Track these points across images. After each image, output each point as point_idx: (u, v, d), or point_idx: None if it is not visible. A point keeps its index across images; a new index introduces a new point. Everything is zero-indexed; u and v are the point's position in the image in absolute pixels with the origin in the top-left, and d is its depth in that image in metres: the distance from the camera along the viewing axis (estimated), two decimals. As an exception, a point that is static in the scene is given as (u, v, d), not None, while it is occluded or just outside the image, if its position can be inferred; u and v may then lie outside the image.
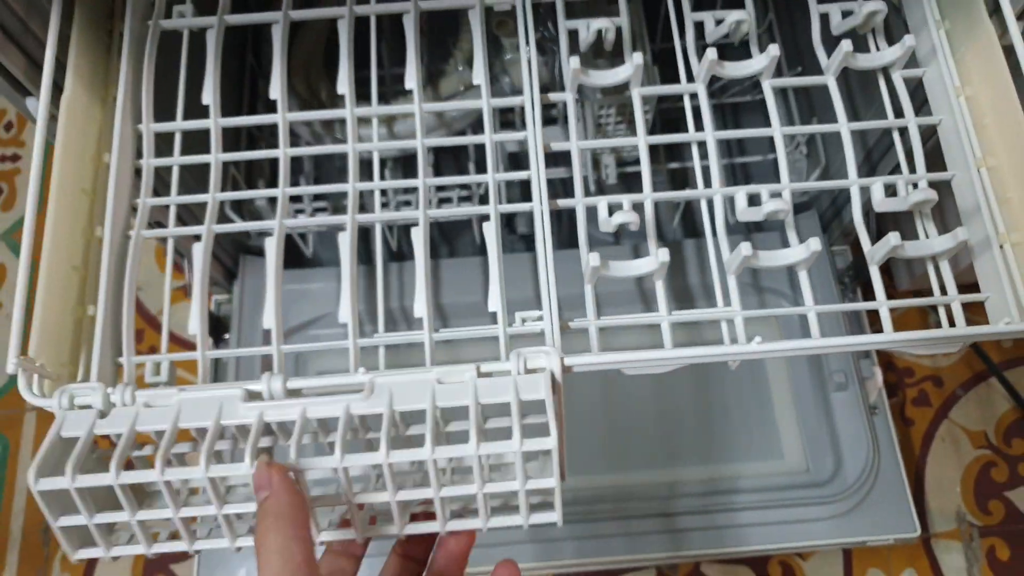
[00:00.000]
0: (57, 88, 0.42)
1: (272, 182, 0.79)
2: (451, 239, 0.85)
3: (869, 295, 0.87)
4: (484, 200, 0.79)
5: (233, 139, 0.76)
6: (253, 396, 0.34)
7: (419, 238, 0.41)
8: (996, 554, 0.87)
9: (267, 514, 0.30)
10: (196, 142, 0.46)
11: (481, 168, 0.79)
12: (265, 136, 0.78)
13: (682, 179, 0.85)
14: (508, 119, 0.81)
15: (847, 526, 0.67)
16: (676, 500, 0.70)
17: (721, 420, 0.75)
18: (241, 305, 0.74)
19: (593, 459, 0.73)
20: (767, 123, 0.87)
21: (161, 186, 0.47)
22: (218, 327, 0.76)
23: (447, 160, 0.85)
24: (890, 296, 0.41)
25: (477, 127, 0.75)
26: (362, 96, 0.49)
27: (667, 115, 0.82)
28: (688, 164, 0.84)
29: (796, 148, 0.81)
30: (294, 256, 0.81)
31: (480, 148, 0.81)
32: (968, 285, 0.44)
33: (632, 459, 0.73)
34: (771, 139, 0.84)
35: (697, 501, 0.70)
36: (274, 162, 0.80)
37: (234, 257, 0.76)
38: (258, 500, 0.31)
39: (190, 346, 0.98)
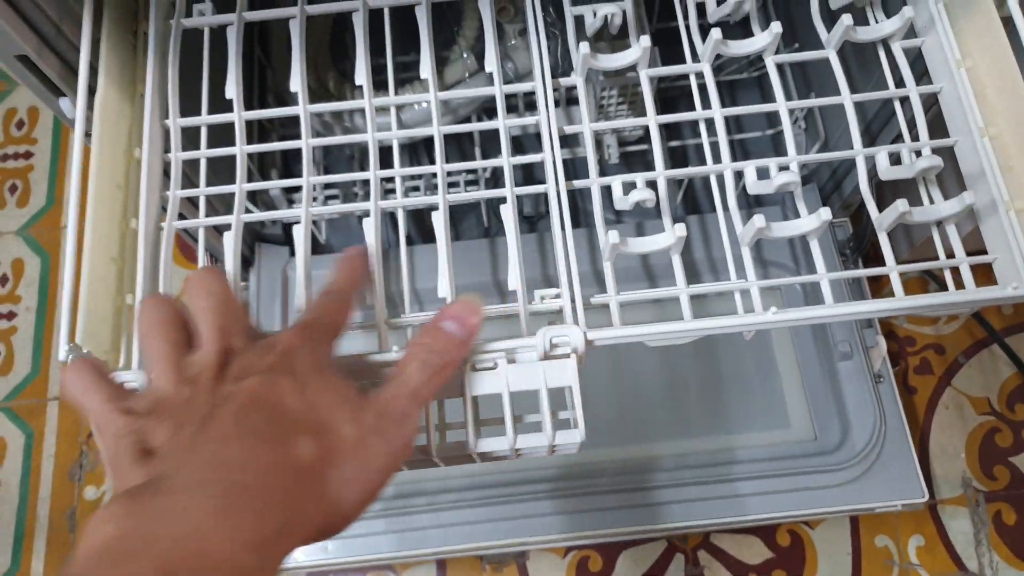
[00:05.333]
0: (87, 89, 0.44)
1: (285, 172, 0.80)
2: (455, 222, 0.86)
3: (870, 266, 0.88)
4: (490, 184, 0.80)
5: (247, 131, 0.77)
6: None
7: (440, 221, 0.43)
8: (1003, 518, 0.89)
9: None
10: (215, 135, 0.47)
11: (486, 152, 0.81)
12: (276, 127, 0.80)
13: (681, 158, 0.87)
14: (511, 103, 0.83)
15: (855, 493, 0.69)
16: (684, 471, 0.72)
17: (727, 391, 0.77)
18: (259, 291, 0.76)
19: (600, 432, 0.74)
20: (763, 99, 0.89)
21: (185, 180, 0.48)
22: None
23: (450, 145, 0.86)
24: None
25: (481, 113, 0.76)
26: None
27: (663, 94, 0.84)
28: (688, 142, 0.85)
29: (795, 123, 0.82)
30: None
31: (483, 133, 0.83)
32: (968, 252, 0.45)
33: (639, 431, 0.74)
34: (768, 115, 0.86)
35: (705, 472, 0.71)
36: (285, 153, 0.83)
37: (250, 245, 0.78)
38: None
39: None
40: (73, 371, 0.33)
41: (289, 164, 0.83)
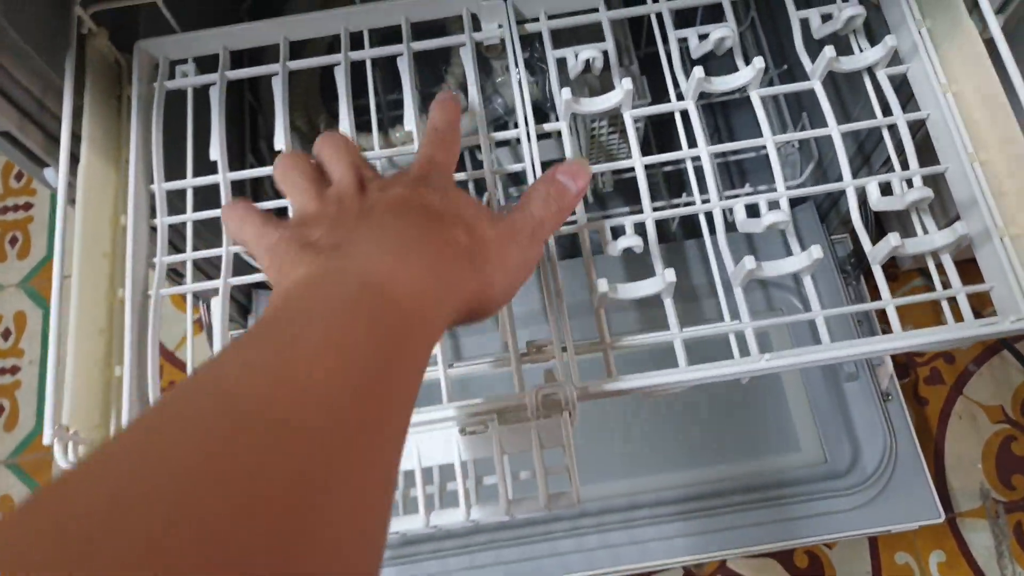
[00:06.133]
0: (72, 157, 0.44)
1: (279, 218, 0.80)
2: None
3: (872, 282, 0.88)
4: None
5: (238, 183, 0.77)
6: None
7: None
8: (1024, 529, 0.87)
9: None
10: (205, 194, 0.47)
11: (479, 190, 0.81)
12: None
13: (678, 179, 0.86)
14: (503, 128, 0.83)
15: (870, 516, 0.68)
16: (694, 502, 0.71)
17: (735, 416, 0.76)
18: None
19: (612, 466, 0.74)
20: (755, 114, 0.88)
21: (178, 240, 0.48)
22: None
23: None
24: (894, 275, 0.42)
25: (474, 148, 0.76)
26: (360, 127, 0.50)
27: (658, 117, 0.83)
28: (683, 166, 0.84)
29: (788, 142, 0.82)
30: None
31: (478, 165, 0.83)
32: (966, 261, 0.45)
33: (650, 463, 0.74)
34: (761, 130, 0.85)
35: (715, 501, 0.70)
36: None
37: (247, 293, 0.78)
38: None
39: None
40: (227, 212, 0.36)
41: (285, 214, 0.83)
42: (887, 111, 0.48)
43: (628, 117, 0.46)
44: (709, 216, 0.46)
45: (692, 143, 0.46)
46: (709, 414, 0.76)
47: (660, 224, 0.44)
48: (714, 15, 0.49)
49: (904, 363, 0.96)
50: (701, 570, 0.85)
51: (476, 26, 0.50)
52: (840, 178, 0.69)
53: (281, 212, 0.72)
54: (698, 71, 0.45)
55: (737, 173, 0.87)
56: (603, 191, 0.79)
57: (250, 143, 0.81)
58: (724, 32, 0.46)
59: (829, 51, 0.46)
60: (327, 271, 0.29)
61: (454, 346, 0.76)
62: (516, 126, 0.45)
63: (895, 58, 0.49)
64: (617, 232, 0.44)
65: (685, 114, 0.47)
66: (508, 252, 0.34)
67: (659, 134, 0.84)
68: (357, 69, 0.50)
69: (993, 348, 0.96)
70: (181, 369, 0.99)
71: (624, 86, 0.44)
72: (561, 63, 0.48)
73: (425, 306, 0.29)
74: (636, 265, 0.73)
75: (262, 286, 0.79)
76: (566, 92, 0.44)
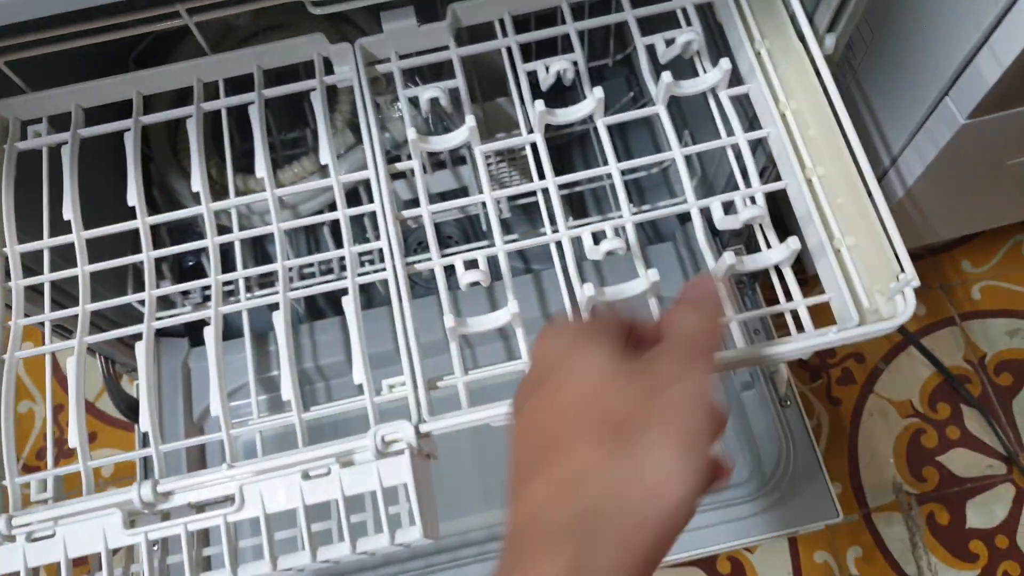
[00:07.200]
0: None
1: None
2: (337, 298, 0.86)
3: (768, 290, 0.90)
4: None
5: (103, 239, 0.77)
6: (132, 513, 0.36)
7: (280, 321, 0.42)
8: (936, 519, 0.90)
9: None
10: (65, 253, 0.47)
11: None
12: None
13: (579, 202, 0.88)
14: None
15: (773, 520, 0.69)
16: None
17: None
18: (160, 385, 0.75)
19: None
20: (651, 134, 0.90)
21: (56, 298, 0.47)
22: (138, 408, 0.77)
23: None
24: (804, 279, 0.46)
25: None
26: (247, 169, 0.52)
27: (554, 142, 0.85)
28: (583, 188, 0.86)
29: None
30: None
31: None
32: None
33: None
34: (658, 149, 0.87)
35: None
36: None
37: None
38: None
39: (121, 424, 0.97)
40: None
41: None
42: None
43: (478, 152, 0.47)
44: (559, 248, 0.47)
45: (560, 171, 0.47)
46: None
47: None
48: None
49: (817, 365, 0.99)
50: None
51: (329, 69, 0.51)
52: (724, 189, 0.71)
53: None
54: (539, 105, 0.46)
55: (635, 191, 0.89)
56: (502, 217, 0.81)
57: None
58: (563, 64, 0.47)
59: (667, 76, 0.47)
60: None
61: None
62: (408, 158, 0.45)
63: (738, 79, 0.50)
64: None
65: (535, 145, 0.48)
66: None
67: (563, 152, 0.86)
68: (242, 114, 0.50)
69: (900, 345, 0.99)
70: (102, 420, 0.97)
71: (468, 123, 0.45)
72: (414, 102, 0.50)
73: None
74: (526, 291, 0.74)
75: (161, 332, 0.79)
76: (412, 132, 0.45)
